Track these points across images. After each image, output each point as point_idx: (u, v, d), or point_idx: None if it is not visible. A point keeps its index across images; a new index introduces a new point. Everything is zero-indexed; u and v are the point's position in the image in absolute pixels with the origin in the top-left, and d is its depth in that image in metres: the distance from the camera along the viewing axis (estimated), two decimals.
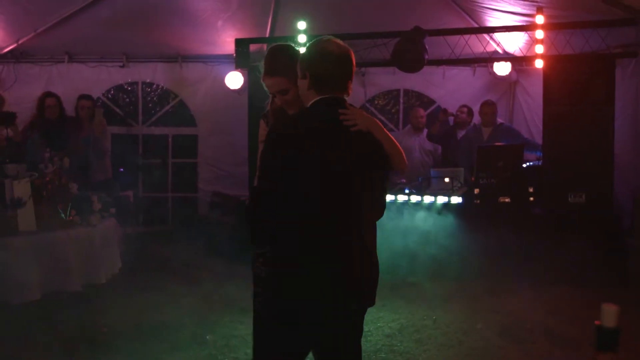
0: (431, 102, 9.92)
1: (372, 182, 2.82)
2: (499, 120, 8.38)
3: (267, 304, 2.91)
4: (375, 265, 2.87)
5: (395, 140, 2.90)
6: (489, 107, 8.22)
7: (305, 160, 2.66)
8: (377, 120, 2.88)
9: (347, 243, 2.71)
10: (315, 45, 2.84)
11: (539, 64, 7.30)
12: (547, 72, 7.22)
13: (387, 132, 2.88)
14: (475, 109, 8.79)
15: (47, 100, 7.16)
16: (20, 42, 8.62)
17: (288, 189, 2.65)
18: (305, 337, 2.76)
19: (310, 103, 2.81)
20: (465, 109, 8.64)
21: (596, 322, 1.96)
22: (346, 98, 2.83)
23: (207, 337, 5.19)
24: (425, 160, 8.69)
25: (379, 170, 2.85)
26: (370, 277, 2.85)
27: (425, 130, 8.86)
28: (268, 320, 2.88)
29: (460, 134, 8.55)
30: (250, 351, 3.77)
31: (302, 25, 7.97)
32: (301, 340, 2.76)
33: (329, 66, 2.78)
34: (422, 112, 8.84)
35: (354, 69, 2.85)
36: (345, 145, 2.72)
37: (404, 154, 2.94)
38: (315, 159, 2.67)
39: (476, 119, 8.66)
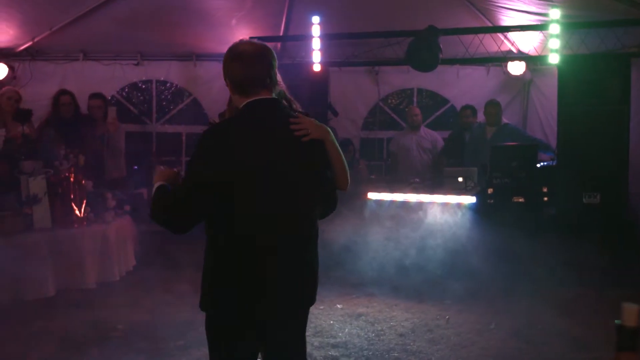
0: (445, 101, 9.90)
1: (307, 186, 2.75)
2: (505, 120, 8.35)
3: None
4: (308, 266, 2.78)
5: (343, 157, 2.88)
6: (493, 107, 8.18)
7: (231, 165, 2.58)
8: (329, 131, 2.84)
9: (271, 249, 2.66)
10: (229, 49, 2.79)
11: (553, 58, 7.24)
12: (561, 72, 7.19)
13: (338, 147, 2.85)
14: None
15: (62, 98, 7.19)
16: (36, 40, 8.67)
17: (209, 196, 2.60)
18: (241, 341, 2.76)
19: (242, 106, 2.75)
20: (468, 112, 8.60)
21: (617, 322, 1.96)
22: (274, 96, 2.77)
23: None
24: (424, 158, 8.70)
25: (313, 174, 2.77)
26: (301, 278, 2.77)
27: (424, 128, 8.86)
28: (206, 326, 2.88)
29: (467, 136, 8.52)
30: None
31: (316, 24, 7.97)
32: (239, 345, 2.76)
33: (242, 67, 2.73)
34: (417, 111, 8.86)
35: (273, 66, 2.76)
36: (275, 149, 2.67)
37: (347, 172, 2.91)
38: (241, 164, 2.59)
39: (481, 117, 8.65)
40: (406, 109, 9.37)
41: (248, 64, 2.72)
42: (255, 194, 2.62)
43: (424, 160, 8.71)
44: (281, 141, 2.69)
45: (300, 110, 2.99)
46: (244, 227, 2.64)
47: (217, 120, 2.86)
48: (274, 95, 2.79)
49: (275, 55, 2.81)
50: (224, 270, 2.69)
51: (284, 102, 2.93)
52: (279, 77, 2.88)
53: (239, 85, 2.76)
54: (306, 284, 2.78)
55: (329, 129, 2.84)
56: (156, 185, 2.78)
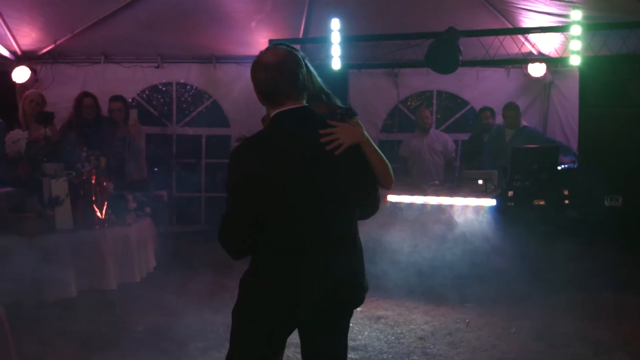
0: (464, 103, 9.86)
1: (345, 197, 2.75)
2: (524, 123, 8.29)
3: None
4: (346, 268, 2.78)
5: (382, 156, 2.85)
6: (511, 110, 8.14)
7: (265, 180, 2.61)
8: (365, 133, 2.81)
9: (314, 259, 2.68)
10: (254, 61, 2.75)
11: (575, 60, 7.19)
12: (583, 74, 7.13)
13: (375, 147, 2.84)
14: None
15: (85, 100, 7.25)
16: (57, 43, 8.76)
17: (252, 208, 2.64)
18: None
19: (270, 118, 2.75)
20: (487, 113, 8.57)
21: None
22: (304, 104, 2.74)
23: None
24: (436, 160, 8.66)
25: (348, 182, 2.75)
26: (345, 282, 2.77)
27: (435, 131, 8.82)
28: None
29: (486, 138, 8.49)
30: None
31: (335, 26, 7.97)
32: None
33: (265, 77, 2.68)
34: (427, 113, 8.82)
35: (297, 72, 2.70)
36: (304, 162, 2.65)
37: (390, 170, 2.89)
38: (275, 178, 2.61)
39: (500, 120, 8.61)
40: (417, 110, 9.33)
41: (269, 75, 2.68)
42: (286, 206, 2.64)
43: (436, 163, 8.67)
44: (311, 154, 2.66)
45: (340, 105, 3.00)
46: (279, 237, 2.68)
47: (245, 135, 2.80)
48: (303, 102, 2.74)
49: (300, 59, 2.75)
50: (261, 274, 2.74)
51: (323, 96, 2.95)
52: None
53: (264, 96, 2.74)
54: (345, 287, 2.77)
55: (363, 131, 2.81)
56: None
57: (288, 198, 2.63)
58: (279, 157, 2.63)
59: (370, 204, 2.94)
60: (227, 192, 2.71)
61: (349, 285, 2.79)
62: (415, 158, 8.67)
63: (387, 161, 2.86)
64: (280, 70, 2.67)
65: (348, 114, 2.96)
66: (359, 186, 2.80)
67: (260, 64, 2.71)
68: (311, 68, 2.85)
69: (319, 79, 2.94)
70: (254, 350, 2.77)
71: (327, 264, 2.68)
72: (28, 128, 6.44)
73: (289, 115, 2.70)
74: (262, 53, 2.76)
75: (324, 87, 3.00)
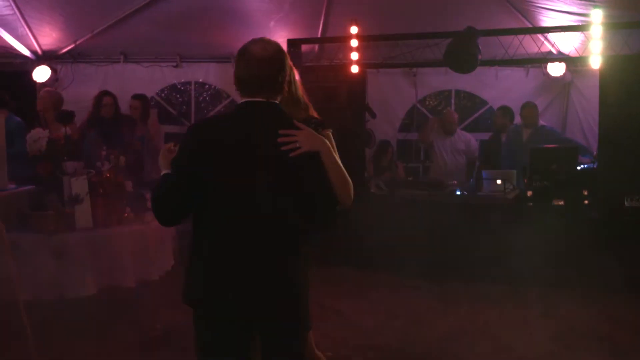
0: (483, 102, 9.81)
1: (286, 202, 2.64)
2: (541, 122, 8.25)
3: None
4: (278, 280, 2.67)
5: (343, 171, 2.75)
6: (529, 110, 8.11)
7: (214, 164, 2.63)
8: (329, 145, 2.73)
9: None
10: (242, 46, 2.74)
11: (595, 61, 7.13)
12: (603, 73, 7.06)
13: (336, 161, 2.74)
14: None
15: (105, 99, 7.31)
16: (77, 42, 8.83)
17: (187, 181, 2.63)
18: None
19: (238, 104, 2.74)
20: (499, 112, 8.53)
21: None
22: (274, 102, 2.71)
23: None
24: (459, 160, 8.64)
25: (292, 186, 2.66)
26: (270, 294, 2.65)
27: (460, 131, 8.79)
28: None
29: (504, 137, 8.45)
30: None
31: (354, 29, 7.97)
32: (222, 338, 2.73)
33: (246, 66, 2.68)
34: (456, 118, 8.78)
35: (278, 72, 2.69)
36: (258, 156, 2.62)
37: (349, 187, 2.77)
38: (223, 163, 2.62)
39: (518, 119, 8.56)
40: (445, 111, 9.31)
41: (251, 65, 2.67)
42: (223, 194, 2.63)
43: (458, 163, 8.65)
44: (263, 148, 2.62)
45: (316, 117, 3.06)
46: (212, 226, 2.66)
47: None
48: (276, 101, 2.73)
49: (285, 61, 2.74)
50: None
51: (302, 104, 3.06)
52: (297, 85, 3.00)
53: (239, 83, 2.72)
54: (267, 295, 2.65)
55: (326, 141, 2.72)
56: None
57: (222, 185, 2.62)
58: (225, 141, 2.64)
59: (323, 218, 2.84)
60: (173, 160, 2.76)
61: (271, 293, 2.65)
62: (437, 157, 8.64)
63: (347, 177, 2.77)
64: (263, 65, 2.66)
65: (322, 125, 2.98)
66: (303, 194, 2.69)
67: (244, 52, 2.70)
68: (294, 76, 2.98)
69: (299, 90, 3.09)
70: None
71: (251, 266, 2.62)
72: (47, 126, 6.50)
73: (256, 106, 2.69)
74: (250, 42, 2.73)
75: (302, 98, 3.12)
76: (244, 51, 2.70)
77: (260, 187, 2.60)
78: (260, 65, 2.66)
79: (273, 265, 2.64)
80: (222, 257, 2.65)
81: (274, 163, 2.62)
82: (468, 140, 8.77)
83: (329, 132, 2.96)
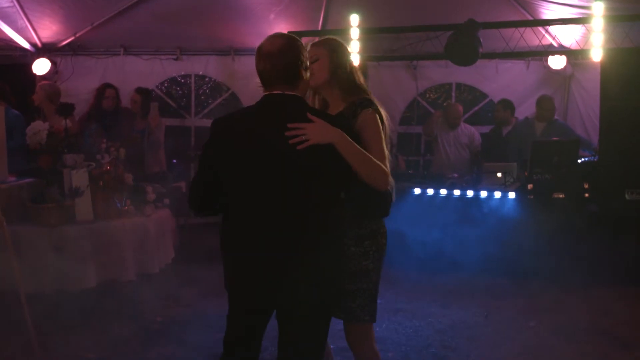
0: (483, 96, 9.80)
1: (304, 193, 2.70)
2: (554, 116, 8.23)
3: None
4: (313, 268, 2.71)
5: (365, 157, 2.80)
6: (549, 102, 8.06)
7: (231, 158, 2.74)
8: (342, 136, 2.73)
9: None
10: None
11: (596, 54, 7.12)
12: (604, 66, 7.04)
13: (355, 149, 2.76)
14: (529, 102, 8.68)
15: (107, 91, 7.32)
16: (77, 35, 8.82)
17: (216, 179, 2.79)
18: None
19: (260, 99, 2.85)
20: (499, 106, 8.51)
21: None
22: (297, 94, 2.80)
23: None
24: (462, 154, 8.62)
25: (310, 176, 2.72)
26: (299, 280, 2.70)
27: (464, 124, 8.79)
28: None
29: (505, 130, 8.41)
30: None
31: (354, 18, 7.93)
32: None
33: (261, 61, 2.79)
34: (460, 111, 8.75)
35: (295, 62, 2.78)
36: (270, 148, 2.69)
37: (378, 171, 2.84)
38: (240, 157, 2.73)
39: (527, 112, 8.53)
40: (445, 104, 9.29)
41: (266, 59, 2.77)
42: (245, 189, 2.75)
43: (461, 156, 8.63)
44: (275, 141, 2.68)
45: (364, 98, 3.13)
46: (238, 219, 2.78)
47: None
48: (294, 92, 2.80)
49: (298, 50, 2.81)
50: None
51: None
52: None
53: (261, 77, 2.82)
54: (299, 285, 2.70)
55: (340, 132, 2.73)
56: None
57: (243, 178, 2.73)
58: (239, 135, 2.75)
59: (370, 203, 3.04)
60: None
61: (305, 284, 2.71)
62: (440, 150, 8.63)
63: (374, 163, 2.82)
64: (271, 59, 2.75)
65: (361, 105, 3.05)
66: (318, 185, 2.73)
67: (259, 51, 2.81)
68: (348, 63, 3.16)
69: (354, 75, 3.18)
70: None
71: (279, 258, 2.69)
72: (46, 119, 6.49)
73: (273, 99, 2.78)
74: (266, 38, 2.85)
75: (359, 83, 3.19)
76: (260, 47, 2.82)
77: (272, 181, 2.69)
78: (268, 59, 2.76)
79: (292, 257, 2.69)
80: (241, 249, 2.76)
81: (284, 156, 2.67)
82: (472, 134, 8.75)
83: (367, 111, 3.03)
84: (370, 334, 3.36)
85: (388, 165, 2.96)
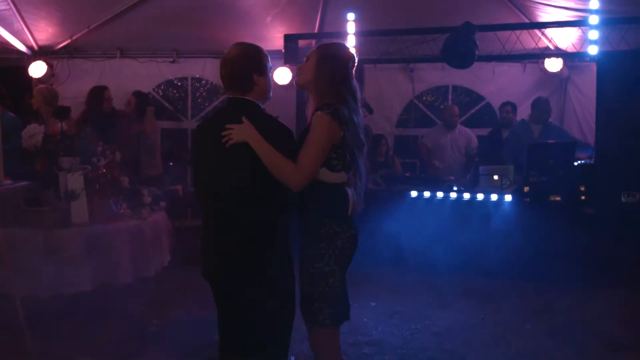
0: (480, 98, 9.81)
1: (232, 184, 3.12)
2: (549, 119, 8.24)
3: None
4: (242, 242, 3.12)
5: (270, 155, 3.05)
6: (545, 105, 8.08)
7: (194, 154, 3.37)
8: (254, 136, 3.05)
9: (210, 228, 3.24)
10: None
11: (592, 50, 7.12)
12: (600, 68, 7.05)
13: (263, 147, 3.05)
14: (526, 105, 8.69)
15: (106, 93, 7.32)
16: (74, 37, 8.81)
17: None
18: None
19: None
20: (509, 108, 8.52)
21: None
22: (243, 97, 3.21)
23: None
24: (457, 156, 8.65)
25: (235, 169, 3.11)
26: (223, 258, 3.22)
27: (460, 127, 8.80)
28: None
29: (505, 133, 8.42)
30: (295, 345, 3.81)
31: (351, 24, 7.94)
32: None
33: (220, 68, 3.27)
34: (456, 111, 8.81)
35: (247, 70, 3.19)
36: (211, 144, 3.16)
37: (281, 169, 3.06)
38: (194, 152, 3.36)
39: (524, 115, 8.54)
40: (442, 106, 9.32)
41: (222, 66, 3.26)
42: (198, 175, 3.30)
43: (457, 159, 8.65)
44: (216, 139, 3.10)
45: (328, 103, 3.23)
46: (201, 203, 3.30)
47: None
48: (244, 95, 3.20)
49: (255, 58, 3.24)
50: None
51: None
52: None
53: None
54: (222, 263, 3.22)
55: (253, 133, 3.06)
56: None
57: (197, 171, 3.30)
58: (199, 134, 3.32)
59: (278, 195, 3.16)
60: None
61: (225, 263, 3.20)
62: (438, 153, 8.65)
63: (277, 164, 3.06)
64: (230, 64, 3.23)
65: (319, 108, 3.22)
66: (240, 177, 3.11)
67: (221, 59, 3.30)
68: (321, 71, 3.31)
69: (332, 79, 3.30)
70: None
71: (214, 238, 3.21)
72: (44, 122, 6.48)
73: (229, 102, 3.26)
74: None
75: (334, 87, 3.30)
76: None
77: (211, 172, 3.20)
78: (223, 66, 3.26)
79: (226, 243, 3.16)
80: (203, 232, 3.28)
81: (221, 151, 3.09)
82: (469, 137, 8.77)
83: (317, 113, 3.16)
84: (333, 339, 3.38)
85: (311, 167, 3.11)
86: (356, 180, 3.35)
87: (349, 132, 3.20)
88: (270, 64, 3.34)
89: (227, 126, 3.07)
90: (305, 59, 3.43)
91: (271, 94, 3.35)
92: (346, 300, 3.36)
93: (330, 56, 3.35)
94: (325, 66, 3.32)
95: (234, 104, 3.21)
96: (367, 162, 3.56)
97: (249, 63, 3.19)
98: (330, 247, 3.22)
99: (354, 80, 3.39)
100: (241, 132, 3.06)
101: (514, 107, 8.52)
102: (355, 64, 3.44)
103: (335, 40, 3.56)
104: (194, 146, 3.33)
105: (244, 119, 3.07)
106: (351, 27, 7.98)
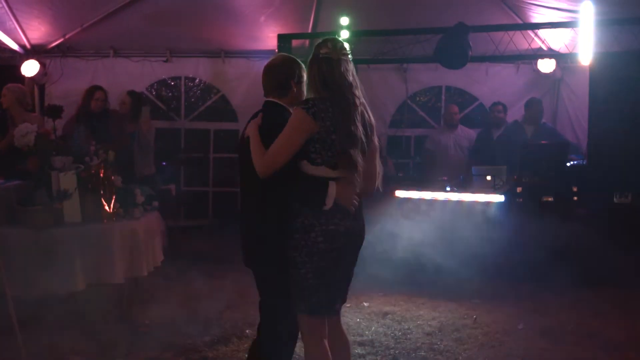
0: (473, 99, 9.83)
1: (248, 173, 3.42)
2: (542, 119, 8.26)
3: None
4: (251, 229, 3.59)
5: (255, 149, 3.38)
6: (537, 105, 8.11)
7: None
8: (254, 133, 3.42)
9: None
10: None
11: (585, 57, 7.13)
12: (593, 70, 7.07)
13: (255, 142, 3.39)
14: (519, 106, 8.70)
15: (97, 94, 7.27)
16: (67, 36, 8.79)
17: None
18: None
19: None
20: (500, 107, 8.54)
21: None
22: (277, 101, 3.57)
23: (247, 331, 5.22)
24: (460, 156, 8.65)
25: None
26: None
27: (461, 127, 8.82)
28: None
29: (496, 133, 8.44)
30: None
31: (344, 21, 7.94)
32: None
33: (262, 74, 3.65)
34: (456, 109, 8.85)
35: (273, 75, 3.58)
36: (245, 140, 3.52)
37: (256, 161, 3.35)
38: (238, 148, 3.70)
39: (516, 115, 8.56)
40: (445, 108, 9.33)
41: (264, 73, 3.63)
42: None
43: (460, 159, 8.65)
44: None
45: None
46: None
47: None
48: (275, 99, 3.56)
49: (292, 67, 3.59)
50: None
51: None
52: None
53: None
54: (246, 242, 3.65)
55: (252, 128, 3.46)
56: None
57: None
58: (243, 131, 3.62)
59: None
60: None
61: (247, 240, 3.64)
62: (441, 153, 8.68)
63: (254, 149, 3.38)
64: (266, 72, 3.63)
65: (297, 104, 3.47)
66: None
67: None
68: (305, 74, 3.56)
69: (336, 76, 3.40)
70: None
71: (241, 218, 3.67)
72: (14, 123, 6.37)
73: (264, 104, 3.62)
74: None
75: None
76: None
77: (242, 165, 3.57)
78: (265, 73, 3.63)
79: (248, 222, 3.61)
80: None
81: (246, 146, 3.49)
82: (472, 137, 8.79)
83: (296, 107, 3.38)
84: (314, 328, 3.44)
85: (275, 157, 3.29)
86: (353, 177, 3.33)
87: (324, 126, 3.26)
88: (305, 75, 3.57)
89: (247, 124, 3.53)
90: None
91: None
92: (326, 293, 3.39)
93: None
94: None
95: (266, 106, 3.59)
96: (378, 160, 3.64)
97: (290, 71, 3.57)
98: (303, 238, 3.32)
99: (340, 76, 3.40)
100: (250, 128, 3.45)
101: (504, 107, 8.55)
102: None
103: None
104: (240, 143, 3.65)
105: (258, 119, 3.49)
106: (345, 27, 7.97)
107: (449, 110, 8.88)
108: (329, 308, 3.45)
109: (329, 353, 3.42)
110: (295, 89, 3.55)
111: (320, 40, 3.49)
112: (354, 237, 3.46)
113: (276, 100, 3.56)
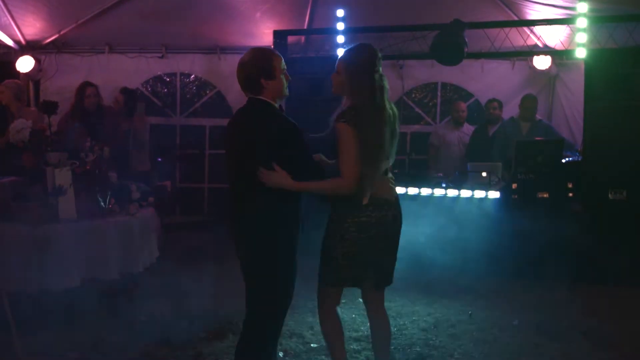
0: (469, 95, 9.83)
1: (242, 163, 3.56)
2: (538, 116, 8.27)
3: None
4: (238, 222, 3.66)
5: (319, 186, 3.61)
6: (532, 102, 8.11)
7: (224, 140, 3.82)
8: (288, 181, 3.46)
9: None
10: None
11: (580, 52, 7.14)
12: (588, 66, 7.08)
13: (304, 186, 3.53)
14: (514, 102, 8.70)
15: (87, 90, 7.25)
16: (62, 32, 8.76)
17: None
18: None
19: None
20: (495, 104, 8.55)
21: None
22: (259, 97, 3.57)
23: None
24: (463, 153, 8.64)
25: (247, 156, 3.52)
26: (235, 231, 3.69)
27: (466, 125, 8.82)
28: None
29: (491, 129, 8.44)
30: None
31: (340, 12, 7.94)
32: None
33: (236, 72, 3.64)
34: (464, 107, 8.84)
35: (243, 74, 3.58)
36: (228, 135, 3.71)
37: (336, 188, 3.59)
38: (225, 142, 3.78)
39: (512, 112, 8.56)
40: (451, 104, 9.31)
41: (237, 70, 3.60)
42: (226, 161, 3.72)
43: (462, 156, 8.66)
44: (230, 132, 3.69)
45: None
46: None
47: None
48: (254, 95, 3.57)
49: (260, 63, 3.54)
50: None
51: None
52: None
53: None
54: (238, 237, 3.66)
55: (284, 181, 3.48)
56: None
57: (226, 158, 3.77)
58: (227, 128, 3.74)
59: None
60: None
61: (236, 234, 3.68)
62: (445, 149, 8.68)
63: (324, 189, 3.63)
64: (240, 68, 3.60)
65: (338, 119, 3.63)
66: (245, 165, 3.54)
67: None
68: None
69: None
70: None
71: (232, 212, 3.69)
72: (13, 119, 6.38)
73: (246, 101, 3.64)
74: None
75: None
76: None
77: (228, 160, 3.69)
78: (237, 70, 3.61)
79: (236, 217, 3.66)
80: None
81: (233, 144, 3.65)
82: None
83: (339, 125, 3.56)
84: (332, 296, 3.90)
85: (354, 172, 3.53)
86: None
87: (362, 133, 3.52)
88: (283, 65, 3.60)
89: (258, 173, 3.44)
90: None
91: (287, 91, 3.67)
92: (354, 270, 3.82)
93: (347, 62, 3.71)
94: (346, 73, 3.69)
95: (249, 103, 3.60)
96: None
97: (257, 68, 3.51)
98: (336, 228, 3.72)
99: (377, 74, 3.66)
100: (273, 178, 3.44)
101: (500, 103, 8.55)
102: (376, 59, 3.71)
103: (355, 43, 3.89)
104: (225, 138, 3.72)
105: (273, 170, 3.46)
106: (341, 23, 7.97)
107: (456, 107, 8.86)
108: (354, 282, 3.87)
109: (340, 322, 3.99)
110: (268, 87, 3.55)
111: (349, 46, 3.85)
112: (386, 225, 3.84)
113: (259, 97, 3.58)
